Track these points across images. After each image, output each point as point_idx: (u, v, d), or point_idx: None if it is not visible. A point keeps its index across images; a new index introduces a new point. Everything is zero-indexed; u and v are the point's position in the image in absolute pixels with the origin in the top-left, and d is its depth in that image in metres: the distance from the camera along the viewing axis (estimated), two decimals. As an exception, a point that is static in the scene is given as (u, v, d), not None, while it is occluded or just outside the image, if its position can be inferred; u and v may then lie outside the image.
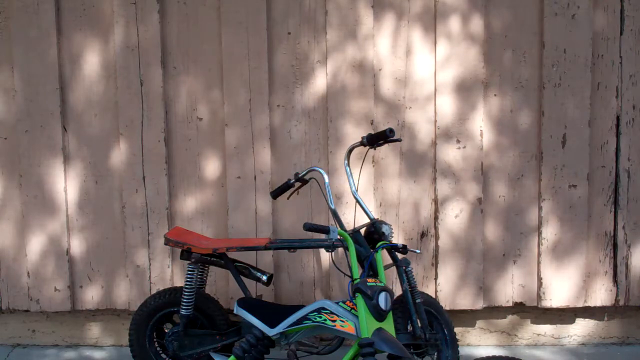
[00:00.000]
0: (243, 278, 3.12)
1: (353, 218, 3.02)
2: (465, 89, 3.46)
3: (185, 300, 3.05)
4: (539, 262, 3.52)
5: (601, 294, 3.55)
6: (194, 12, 3.49)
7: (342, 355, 2.64)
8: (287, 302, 3.51)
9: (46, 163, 3.53)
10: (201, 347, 3.09)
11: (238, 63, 3.48)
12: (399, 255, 2.96)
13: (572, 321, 3.66)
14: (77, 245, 3.60)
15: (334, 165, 3.50)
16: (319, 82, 3.50)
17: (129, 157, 3.52)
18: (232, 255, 3.12)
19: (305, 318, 2.70)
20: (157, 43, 3.47)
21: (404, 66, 3.48)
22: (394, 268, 2.97)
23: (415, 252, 3.04)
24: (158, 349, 3.23)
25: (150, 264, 3.57)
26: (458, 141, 3.48)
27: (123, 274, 3.60)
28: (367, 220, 2.95)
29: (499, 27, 3.45)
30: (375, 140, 2.88)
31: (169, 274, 3.58)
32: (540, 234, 3.50)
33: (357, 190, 2.96)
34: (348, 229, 2.89)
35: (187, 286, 3.05)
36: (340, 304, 2.65)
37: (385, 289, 2.55)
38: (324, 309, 2.66)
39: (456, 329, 3.63)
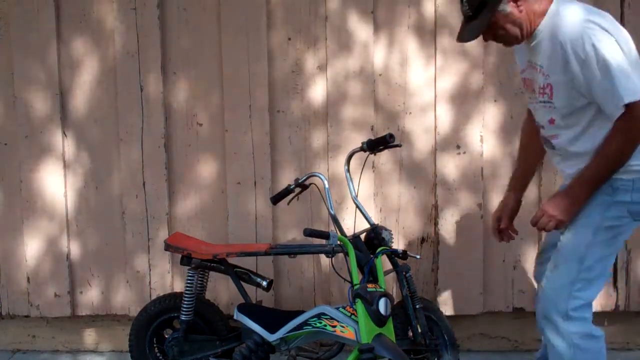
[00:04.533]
0: (243, 284, 3.11)
1: (353, 224, 3.02)
2: (465, 95, 3.46)
3: (185, 305, 3.05)
4: (539, 268, 3.52)
5: (601, 299, 3.54)
6: (194, 18, 3.49)
7: (342, 361, 2.64)
8: (287, 308, 3.51)
9: (46, 169, 3.53)
10: (201, 352, 3.09)
11: (238, 69, 3.48)
12: (399, 261, 2.96)
13: (572, 327, 3.65)
14: (77, 251, 3.60)
15: (334, 170, 3.50)
16: (319, 87, 3.50)
17: (129, 162, 3.52)
18: (232, 260, 3.12)
19: (305, 324, 2.70)
20: (157, 49, 3.47)
21: (404, 72, 3.48)
22: (394, 273, 2.97)
23: (415, 257, 3.04)
24: (158, 354, 3.22)
25: (150, 270, 3.57)
26: (458, 147, 3.48)
27: (123, 279, 3.60)
28: (367, 226, 2.95)
29: (498, 33, 3.46)
30: (375, 145, 2.88)
31: (169, 279, 3.58)
32: (540, 239, 3.50)
33: (357, 196, 2.96)
34: (348, 234, 2.89)
35: (187, 292, 3.05)
36: (340, 309, 2.65)
37: (385, 294, 2.55)
38: (324, 314, 2.66)
39: (456, 335, 3.62)
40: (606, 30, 2.22)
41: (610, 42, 2.20)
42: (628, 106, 2.18)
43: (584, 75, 2.24)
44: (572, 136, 2.39)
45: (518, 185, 2.81)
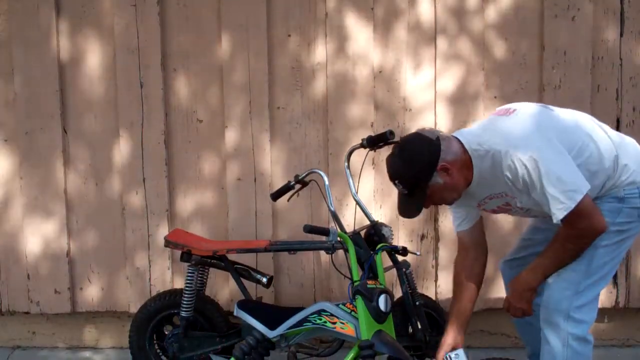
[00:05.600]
0: (243, 280, 3.12)
1: (353, 220, 3.02)
2: (465, 91, 3.46)
3: (185, 302, 3.05)
4: (539, 264, 3.52)
5: (601, 296, 3.52)
6: (193, 14, 3.49)
7: (342, 358, 2.63)
8: (287, 304, 3.51)
9: (46, 165, 3.53)
10: (201, 349, 3.09)
11: (238, 65, 3.48)
12: (399, 258, 2.96)
13: (572, 323, 3.66)
14: (77, 247, 3.60)
15: (334, 167, 3.50)
16: (319, 84, 3.50)
17: (129, 159, 3.52)
18: (232, 257, 3.12)
19: (305, 320, 2.70)
20: (157, 45, 3.47)
21: (404, 69, 3.47)
22: (394, 270, 2.97)
23: (415, 254, 3.04)
24: (158, 351, 3.23)
25: (150, 266, 3.57)
26: (458, 143, 3.48)
27: (123, 275, 3.60)
28: (367, 223, 2.95)
29: (499, 30, 3.45)
30: (375, 142, 2.88)
31: (169, 276, 3.58)
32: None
33: (357, 192, 2.96)
34: (348, 231, 2.89)
35: (187, 288, 3.06)
36: (340, 306, 2.65)
37: (385, 291, 2.55)
38: (324, 311, 2.67)
39: (456, 331, 3.62)
40: (531, 150, 2.26)
41: (537, 160, 2.25)
42: (567, 218, 2.25)
43: (532, 194, 2.32)
44: None
45: (458, 323, 2.71)
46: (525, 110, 2.43)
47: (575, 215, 2.24)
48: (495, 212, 2.63)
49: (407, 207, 2.45)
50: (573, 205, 2.21)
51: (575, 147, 2.33)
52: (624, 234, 2.41)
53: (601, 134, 2.43)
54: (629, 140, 2.49)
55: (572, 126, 2.41)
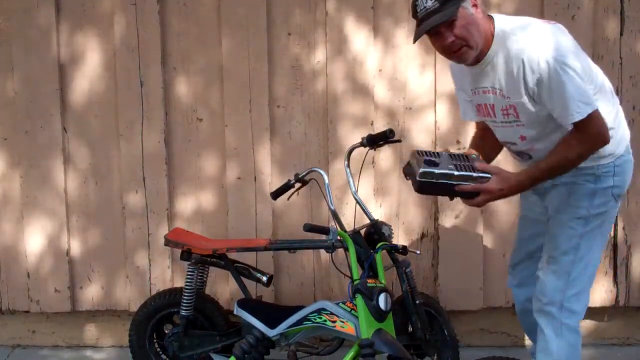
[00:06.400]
0: (243, 279, 3.12)
1: (353, 219, 3.02)
2: (465, 90, 3.46)
3: (185, 301, 3.05)
4: (539, 263, 3.52)
5: (601, 295, 3.54)
6: (194, 13, 3.49)
7: (342, 356, 2.63)
8: (287, 303, 3.51)
9: (46, 164, 3.53)
10: (201, 347, 3.10)
11: (238, 64, 3.47)
12: (399, 256, 2.96)
13: (572, 322, 3.65)
14: (77, 246, 3.60)
15: (334, 166, 3.50)
16: (319, 83, 3.50)
17: (129, 158, 3.52)
18: (232, 256, 3.12)
19: (305, 319, 2.70)
20: (157, 44, 3.47)
21: (404, 67, 3.47)
22: (394, 269, 2.97)
23: (415, 253, 3.04)
24: (158, 349, 3.23)
25: (150, 265, 3.57)
26: (458, 142, 3.48)
27: (123, 274, 3.60)
28: (367, 221, 2.95)
29: (499, 28, 3.45)
30: (375, 141, 2.88)
31: (169, 274, 3.58)
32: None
33: (357, 191, 2.96)
34: (348, 229, 2.89)
35: (187, 287, 3.06)
36: (340, 304, 2.65)
37: (385, 289, 2.55)
38: (324, 309, 2.67)
39: (456, 330, 3.62)
40: (564, 57, 2.25)
41: (565, 65, 2.24)
42: (581, 122, 2.25)
43: (540, 92, 2.30)
44: (550, 144, 2.40)
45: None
46: (567, 33, 2.40)
47: (589, 121, 2.24)
48: (479, 110, 2.59)
49: (431, 20, 2.33)
50: (583, 116, 2.22)
51: None
52: (602, 215, 2.45)
53: (608, 95, 2.46)
54: (622, 115, 2.54)
55: (592, 72, 2.41)
